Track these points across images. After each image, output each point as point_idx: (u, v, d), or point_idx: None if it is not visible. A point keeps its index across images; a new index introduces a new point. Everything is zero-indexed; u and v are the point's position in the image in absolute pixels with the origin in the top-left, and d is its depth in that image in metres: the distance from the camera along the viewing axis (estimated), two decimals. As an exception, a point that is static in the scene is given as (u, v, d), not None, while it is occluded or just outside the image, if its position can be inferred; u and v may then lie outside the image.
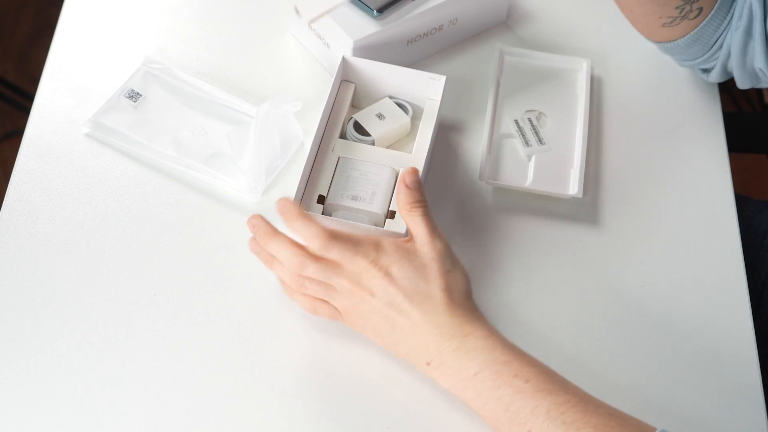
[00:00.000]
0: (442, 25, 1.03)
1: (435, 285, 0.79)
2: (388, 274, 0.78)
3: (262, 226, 0.82)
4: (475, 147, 0.98)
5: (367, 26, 0.97)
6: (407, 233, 0.84)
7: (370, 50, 0.98)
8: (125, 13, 1.07)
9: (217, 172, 0.93)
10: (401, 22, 0.98)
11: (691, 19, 0.92)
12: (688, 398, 0.84)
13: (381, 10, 0.97)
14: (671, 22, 0.92)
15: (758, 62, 0.93)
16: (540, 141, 0.98)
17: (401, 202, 0.83)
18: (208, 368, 0.83)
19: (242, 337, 0.85)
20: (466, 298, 0.80)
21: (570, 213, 0.95)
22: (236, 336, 0.85)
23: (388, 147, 0.95)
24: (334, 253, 0.79)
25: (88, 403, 0.80)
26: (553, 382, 0.75)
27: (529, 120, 1.00)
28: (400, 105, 0.97)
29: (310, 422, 0.81)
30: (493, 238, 0.92)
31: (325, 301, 0.82)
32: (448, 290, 0.79)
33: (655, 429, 0.73)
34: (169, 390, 0.81)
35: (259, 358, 0.84)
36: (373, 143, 0.94)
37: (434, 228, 0.82)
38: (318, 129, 0.91)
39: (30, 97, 1.05)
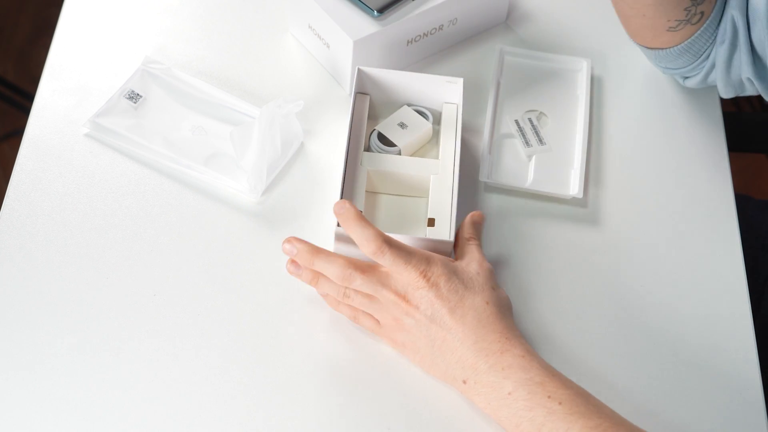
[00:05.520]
0: (442, 25, 1.03)
1: (480, 297, 0.80)
2: (434, 287, 0.79)
3: (302, 245, 0.83)
4: (476, 147, 0.98)
5: (367, 26, 0.97)
6: (453, 251, 0.85)
7: (370, 50, 0.98)
8: (125, 13, 1.07)
9: (217, 172, 0.93)
10: (401, 22, 0.98)
11: (693, 24, 0.93)
12: (687, 398, 0.84)
13: (381, 10, 0.97)
14: (677, 26, 0.93)
15: (745, 72, 0.93)
16: (540, 141, 0.98)
17: (465, 232, 0.86)
18: (208, 368, 0.83)
19: (242, 337, 0.85)
20: (508, 315, 0.81)
21: (570, 213, 0.95)
22: (236, 336, 0.85)
23: (412, 155, 0.95)
24: (387, 258, 0.79)
25: (88, 403, 0.80)
26: (587, 405, 0.75)
27: (530, 120, 1.00)
28: (419, 112, 0.97)
29: (310, 422, 0.81)
30: (493, 238, 0.92)
31: (369, 313, 0.83)
32: (492, 303, 0.80)
33: None
34: (169, 390, 0.81)
35: (258, 359, 0.84)
36: (399, 153, 0.94)
37: (484, 255, 0.85)
38: (346, 146, 0.91)
39: (30, 97, 1.06)
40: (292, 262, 0.84)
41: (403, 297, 0.79)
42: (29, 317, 0.84)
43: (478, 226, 0.88)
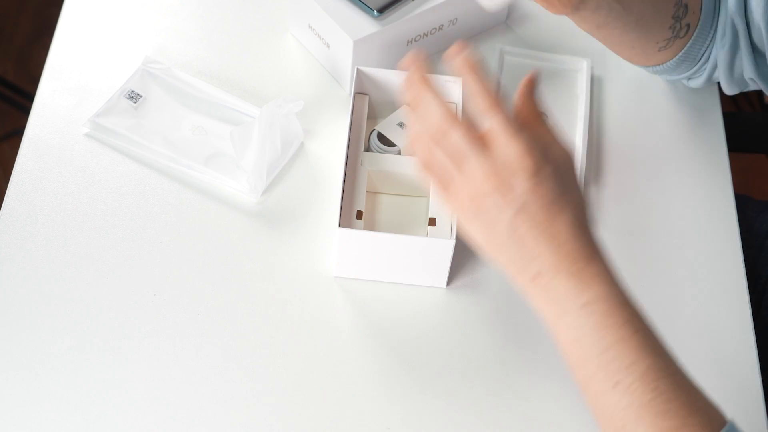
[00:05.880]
0: (442, 25, 1.03)
1: (575, 196, 0.70)
2: (537, 174, 0.68)
3: (415, 70, 0.73)
4: (475, 147, 0.98)
5: (367, 26, 0.97)
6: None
7: (370, 50, 0.98)
8: (125, 13, 1.07)
9: (217, 172, 0.93)
10: (401, 22, 0.98)
11: (681, 37, 0.93)
12: (688, 398, 0.84)
13: (381, 10, 0.97)
14: (666, 44, 0.93)
15: (747, 72, 0.93)
16: (540, 141, 0.98)
17: (532, 104, 0.73)
18: (208, 368, 0.83)
19: (242, 337, 0.85)
20: (591, 222, 0.71)
21: (570, 213, 0.95)
22: (236, 336, 0.85)
23: (411, 154, 0.95)
24: (498, 119, 0.68)
25: (88, 403, 0.80)
26: (658, 342, 0.68)
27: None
28: None
29: (310, 422, 0.81)
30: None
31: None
32: (583, 205, 0.70)
33: (726, 422, 0.68)
34: (168, 390, 0.81)
35: (258, 358, 0.84)
36: (399, 153, 0.94)
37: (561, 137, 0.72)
38: (346, 146, 0.91)
39: (30, 97, 1.05)
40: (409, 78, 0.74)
41: (498, 173, 0.68)
42: (29, 317, 0.84)
43: (538, 91, 0.74)
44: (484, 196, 0.69)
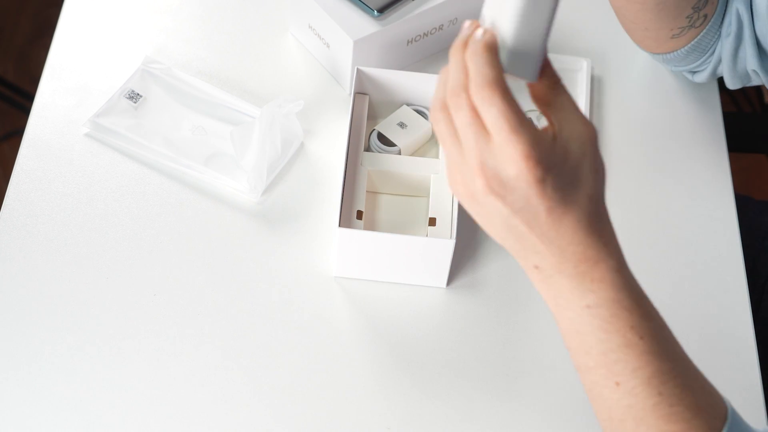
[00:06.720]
0: (442, 25, 1.03)
1: (583, 192, 0.62)
2: (537, 184, 0.59)
3: (459, 38, 0.63)
4: (475, 147, 0.98)
5: (367, 26, 0.97)
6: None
7: (370, 50, 0.98)
8: (125, 13, 1.07)
9: (217, 172, 0.93)
10: (401, 22, 0.98)
11: (696, 27, 0.93)
12: (688, 398, 0.84)
13: (381, 10, 0.97)
14: (680, 32, 0.93)
15: (750, 64, 0.93)
16: (540, 141, 0.98)
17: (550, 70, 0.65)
18: (208, 367, 0.83)
19: (242, 337, 0.85)
20: (605, 206, 0.64)
21: (570, 213, 0.95)
22: (236, 336, 0.85)
23: (411, 154, 0.95)
24: (495, 111, 0.59)
25: (88, 403, 0.80)
26: (666, 343, 0.65)
27: (530, 120, 0.99)
28: (418, 111, 0.97)
29: (310, 422, 0.81)
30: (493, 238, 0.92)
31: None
32: (595, 198, 0.62)
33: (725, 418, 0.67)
34: (168, 390, 0.81)
35: (259, 358, 0.84)
36: (399, 153, 0.94)
37: (580, 111, 0.63)
38: (346, 146, 0.91)
39: (30, 97, 1.05)
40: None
41: (493, 173, 0.59)
42: (29, 317, 0.84)
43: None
44: (478, 191, 0.61)
